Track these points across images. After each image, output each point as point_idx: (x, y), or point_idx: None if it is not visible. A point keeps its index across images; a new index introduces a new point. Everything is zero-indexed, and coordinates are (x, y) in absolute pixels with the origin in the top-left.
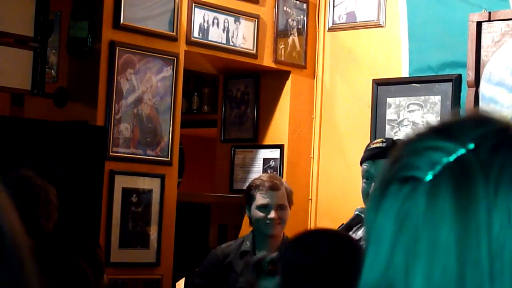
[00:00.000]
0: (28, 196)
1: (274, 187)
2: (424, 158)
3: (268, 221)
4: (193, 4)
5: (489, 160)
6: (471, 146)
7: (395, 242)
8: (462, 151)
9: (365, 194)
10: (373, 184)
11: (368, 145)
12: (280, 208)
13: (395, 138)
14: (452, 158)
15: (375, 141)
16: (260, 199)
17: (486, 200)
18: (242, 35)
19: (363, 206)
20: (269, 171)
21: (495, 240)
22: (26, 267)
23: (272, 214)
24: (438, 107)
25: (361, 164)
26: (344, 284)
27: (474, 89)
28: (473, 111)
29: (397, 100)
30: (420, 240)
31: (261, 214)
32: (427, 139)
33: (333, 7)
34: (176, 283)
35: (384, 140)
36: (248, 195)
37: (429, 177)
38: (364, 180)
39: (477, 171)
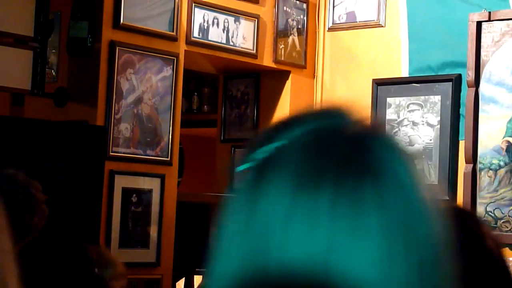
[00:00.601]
0: (7, 193)
1: None
2: (251, 153)
3: None
4: (193, 4)
5: (288, 159)
6: (281, 143)
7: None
8: (273, 148)
9: None
10: None
11: None
12: None
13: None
14: (265, 154)
15: None
16: None
17: (265, 207)
18: (242, 35)
19: None
20: None
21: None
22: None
23: None
24: (438, 107)
25: None
26: None
27: (474, 89)
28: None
29: (397, 100)
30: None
31: None
32: (263, 133)
33: (333, 7)
34: (176, 283)
35: None
36: None
37: (248, 166)
38: None
39: (273, 167)
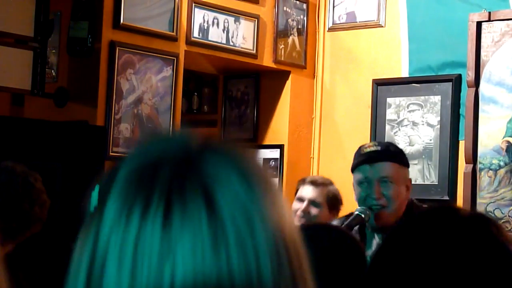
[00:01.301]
0: (4, 183)
1: (313, 183)
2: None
3: (298, 213)
4: (193, 4)
5: (110, 197)
6: (112, 185)
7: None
8: (106, 188)
9: (362, 199)
10: (368, 188)
11: (359, 150)
12: (313, 204)
13: (387, 141)
14: (99, 194)
15: (367, 145)
16: (299, 191)
17: (92, 239)
18: (242, 35)
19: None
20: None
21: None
22: None
23: (302, 207)
24: (438, 107)
25: (354, 170)
26: (341, 280)
27: (474, 89)
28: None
29: (397, 100)
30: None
31: (295, 206)
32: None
33: (333, 7)
34: None
35: (376, 144)
36: (296, 190)
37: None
38: (361, 185)
39: (99, 210)
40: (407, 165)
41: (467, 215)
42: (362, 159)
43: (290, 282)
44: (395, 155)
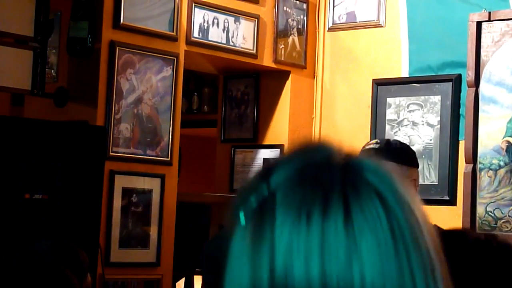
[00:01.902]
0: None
1: None
2: (243, 200)
3: None
4: (193, 4)
5: (280, 201)
6: (272, 188)
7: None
8: (265, 193)
9: None
10: None
11: (362, 148)
12: None
13: (391, 138)
14: (258, 200)
15: (369, 142)
16: None
17: (269, 242)
18: (242, 35)
19: None
20: None
21: (277, 271)
22: None
23: None
24: (438, 107)
25: None
26: None
27: (474, 89)
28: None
29: (397, 100)
30: (226, 274)
31: None
32: (252, 181)
33: (333, 7)
34: (176, 283)
35: (378, 141)
36: None
37: (242, 220)
38: None
39: (269, 213)
40: (410, 164)
41: (475, 239)
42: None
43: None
44: (394, 154)
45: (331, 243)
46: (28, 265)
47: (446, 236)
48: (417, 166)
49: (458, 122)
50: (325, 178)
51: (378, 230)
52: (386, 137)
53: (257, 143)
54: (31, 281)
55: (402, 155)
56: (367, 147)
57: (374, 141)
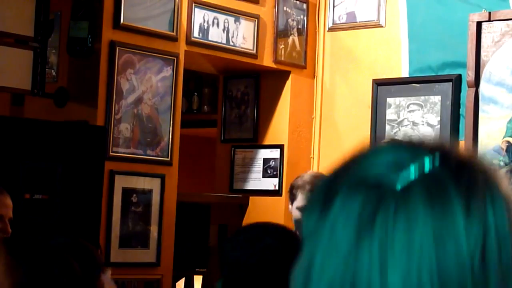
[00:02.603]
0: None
1: None
2: (391, 170)
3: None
4: (193, 4)
5: (456, 176)
6: (437, 163)
7: (358, 242)
8: (430, 166)
9: None
10: None
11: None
12: None
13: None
14: (423, 171)
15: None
16: (301, 200)
17: (461, 210)
18: (242, 35)
19: None
20: (269, 171)
21: (473, 243)
22: None
23: None
24: (438, 107)
25: None
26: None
27: (474, 89)
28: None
29: (397, 100)
30: (394, 241)
31: (299, 216)
32: (388, 154)
33: (333, 7)
34: (176, 283)
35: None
36: (291, 193)
37: (398, 186)
38: None
39: (449, 184)
40: None
41: None
42: None
43: None
44: None
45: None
46: (37, 256)
47: None
48: None
49: (458, 122)
50: (464, 180)
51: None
52: (386, 137)
53: (257, 143)
54: (35, 266)
55: None
56: None
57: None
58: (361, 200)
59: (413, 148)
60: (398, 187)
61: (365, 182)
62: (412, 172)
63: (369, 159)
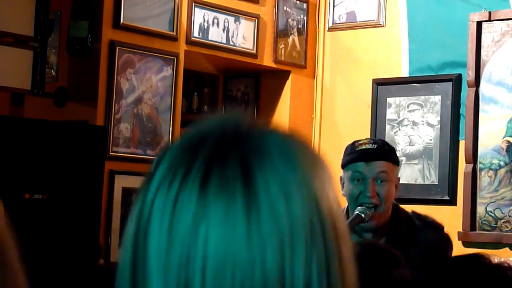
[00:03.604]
0: None
1: None
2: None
3: None
4: (193, 4)
5: (161, 164)
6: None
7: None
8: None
9: (354, 197)
10: (363, 185)
11: (353, 146)
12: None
13: (379, 138)
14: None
15: (362, 141)
16: None
17: (142, 195)
18: (242, 35)
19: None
20: None
21: (142, 223)
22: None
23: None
24: (438, 107)
25: (346, 165)
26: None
27: (474, 89)
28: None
29: (397, 100)
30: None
31: None
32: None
33: (333, 7)
34: None
35: (371, 141)
36: None
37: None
38: (353, 182)
39: (152, 172)
40: (398, 164)
41: (492, 265)
42: (357, 156)
43: (323, 252)
44: (389, 154)
45: (183, 204)
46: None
47: (462, 261)
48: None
49: (458, 122)
50: (196, 146)
51: (230, 203)
52: (387, 138)
53: None
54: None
55: (395, 155)
56: (364, 147)
57: (366, 140)
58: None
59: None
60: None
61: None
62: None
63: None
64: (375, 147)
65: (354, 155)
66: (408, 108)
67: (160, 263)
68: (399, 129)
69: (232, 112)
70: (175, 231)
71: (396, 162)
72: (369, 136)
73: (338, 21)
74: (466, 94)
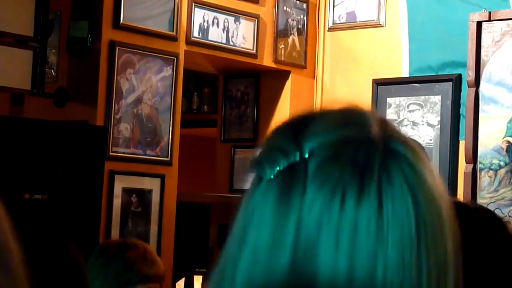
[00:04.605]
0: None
1: None
2: (269, 158)
3: None
4: (193, 4)
5: (313, 172)
6: (306, 155)
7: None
8: (297, 158)
9: None
10: None
11: None
12: None
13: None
14: (287, 163)
15: None
16: None
17: (296, 214)
18: (242, 35)
19: None
20: None
21: (300, 246)
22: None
23: None
24: (438, 107)
25: None
26: None
27: (474, 89)
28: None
29: (397, 100)
30: (247, 231)
31: None
32: (279, 137)
33: (333, 7)
34: (176, 283)
35: None
36: None
37: (268, 177)
38: None
39: (299, 181)
40: None
41: (473, 209)
42: None
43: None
44: None
45: (362, 232)
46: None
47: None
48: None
49: (458, 122)
50: (363, 158)
51: (405, 226)
52: None
53: (257, 143)
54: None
55: None
56: None
57: None
58: (251, 182)
59: (297, 132)
60: (267, 178)
61: (255, 163)
62: (279, 164)
63: (267, 142)
64: None
65: None
66: (408, 108)
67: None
68: (399, 129)
69: (353, 110)
70: (357, 256)
71: None
72: None
73: (338, 21)
74: (466, 94)
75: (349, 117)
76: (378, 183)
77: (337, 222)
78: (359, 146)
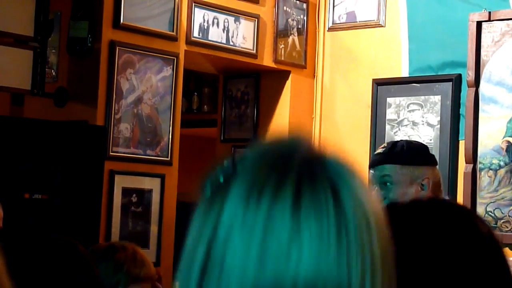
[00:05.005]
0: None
1: None
2: (211, 176)
3: None
4: (193, 4)
5: (236, 179)
6: (236, 169)
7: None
8: (230, 171)
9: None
10: (376, 189)
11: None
12: None
13: (404, 140)
14: (223, 177)
15: (380, 146)
16: None
17: (216, 213)
18: (242, 35)
19: None
20: None
21: (218, 242)
22: None
23: None
24: (438, 107)
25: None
26: None
27: (474, 89)
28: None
29: (397, 100)
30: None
31: None
32: (225, 160)
33: (333, 7)
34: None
35: (385, 145)
36: None
37: (207, 193)
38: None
39: (223, 189)
40: (417, 163)
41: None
42: (369, 163)
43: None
44: (397, 156)
45: (275, 225)
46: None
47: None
48: (430, 164)
49: (458, 122)
50: (282, 164)
51: (323, 222)
52: (386, 138)
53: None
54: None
55: (406, 156)
56: (376, 151)
57: (383, 145)
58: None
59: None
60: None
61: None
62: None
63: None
64: (381, 151)
65: (369, 163)
66: (408, 108)
67: (245, 282)
68: (399, 129)
69: (294, 136)
70: (268, 252)
71: (408, 162)
72: (369, 137)
73: (338, 21)
74: (466, 94)
75: (281, 140)
76: (296, 182)
77: (252, 216)
78: (281, 156)
